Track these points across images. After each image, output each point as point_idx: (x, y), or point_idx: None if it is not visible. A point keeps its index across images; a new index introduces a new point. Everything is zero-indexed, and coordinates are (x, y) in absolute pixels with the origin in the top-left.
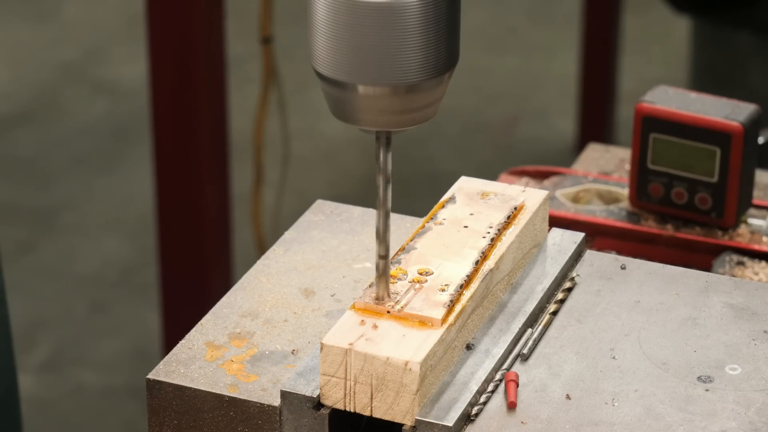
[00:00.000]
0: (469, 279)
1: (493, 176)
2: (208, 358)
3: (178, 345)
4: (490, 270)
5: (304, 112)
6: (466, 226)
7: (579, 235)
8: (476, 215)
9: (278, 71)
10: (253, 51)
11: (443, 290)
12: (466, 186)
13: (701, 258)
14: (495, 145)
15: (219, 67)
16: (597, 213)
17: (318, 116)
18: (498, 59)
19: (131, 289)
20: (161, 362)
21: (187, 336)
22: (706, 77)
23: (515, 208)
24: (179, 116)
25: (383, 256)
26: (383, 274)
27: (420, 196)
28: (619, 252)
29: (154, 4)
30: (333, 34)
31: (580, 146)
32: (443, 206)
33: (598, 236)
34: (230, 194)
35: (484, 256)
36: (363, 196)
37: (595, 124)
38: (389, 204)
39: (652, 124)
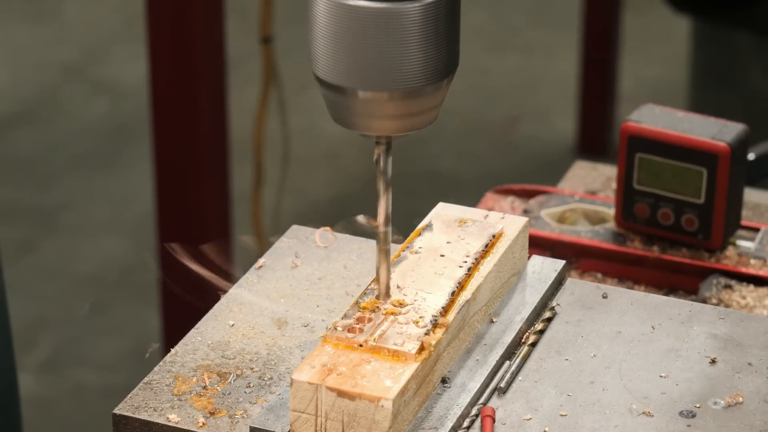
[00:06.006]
0: (445, 310)
1: (493, 176)
2: (176, 391)
3: (146, 377)
4: (467, 301)
5: (304, 112)
6: (442, 255)
7: (560, 263)
8: (453, 243)
9: (278, 71)
10: (253, 51)
11: (418, 323)
12: (443, 213)
13: (688, 280)
14: (495, 145)
15: (219, 67)
16: (582, 234)
17: (318, 116)
18: (498, 59)
19: (131, 289)
20: (128, 396)
21: (155, 368)
22: (706, 77)
23: (494, 236)
24: (179, 116)
25: (384, 260)
26: (385, 288)
27: (420, 196)
28: (605, 273)
29: (154, 4)
30: (333, 39)
31: (580, 146)
32: (419, 234)
33: (583, 257)
34: (230, 194)
35: (461, 286)
36: (363, 196)
37: (595, 124)
38: (390, 209)
39: (637, 143)
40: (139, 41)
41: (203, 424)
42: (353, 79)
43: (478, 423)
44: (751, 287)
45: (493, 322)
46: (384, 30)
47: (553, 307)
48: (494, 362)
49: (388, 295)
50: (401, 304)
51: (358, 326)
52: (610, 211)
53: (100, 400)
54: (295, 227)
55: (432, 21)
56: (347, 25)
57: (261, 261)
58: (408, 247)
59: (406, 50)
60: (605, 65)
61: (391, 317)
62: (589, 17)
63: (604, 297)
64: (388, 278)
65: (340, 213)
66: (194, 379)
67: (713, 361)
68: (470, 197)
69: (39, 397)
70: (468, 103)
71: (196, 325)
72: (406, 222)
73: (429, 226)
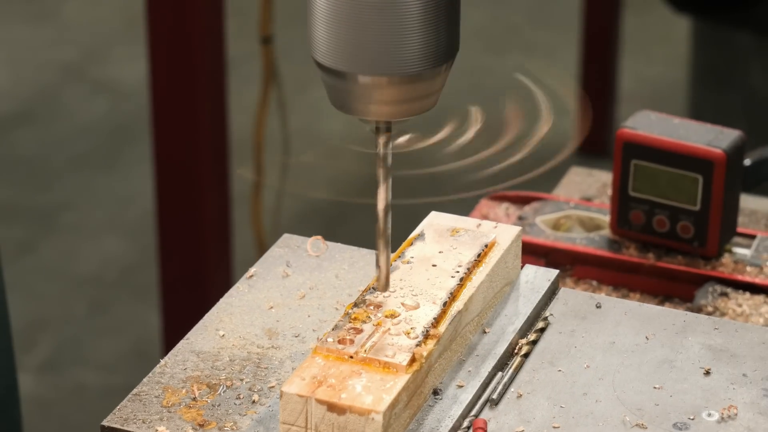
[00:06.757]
0: (437, 321)
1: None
2: (165, 403)
3: (135, 389)
4: (459, 312)
5: (304, 112)
6: (434, 265)
7: (553, 272)
8: (445, 253)
9: (278, 71)
10: (253, 51)
11: (409, 334)
12: (436, 222)
13: (684, 288)
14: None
15: (219, 67)
16: (577, 241)
17: (318, 116)
18: (498, 59)
19: (131, 289)
20: (116, 408)
21: (144, 380)
22: (706, 77)
23: (486, 246)
24: (179, 116)
25: (384, 249)
26: (385, 279)
27: (420, 196)
28: (600, 281)
29: (154, 4)
30: (333, 23)
31: (580, 146)
32: (411, 243)
33: (577, 265)
34: (230, 194)
35: (453, 296)
36: (363, 196)
37: (595, 124)
38: (389, 196)
39: (633, 150)
40: (139, 41)
41: None
42: (353, 64)
43: None
44: (747, 295)
45: (485, 332)
46: (383, 14)
47: (546, 317)
48: (486, 373)
49: (387, 285)
50: (393, 315)
51: (348, 337)
52: (606, 218)
53: (100, 400)
54: (286, 236)
55: (432, 5)
56: (347, 10)
57: (252, 270)
58: (400, 256)
59: (406, 35)
60: (605, 65)
61: (382, 328)
62: (589, 17)
63: (598, 307)
64: (388, 268)
65: (340, 213)
66: (184, 391)
67: (707, 372)
68: (469, 198)
69: (39, 397)
70: (468, 103)
71: (186, 336)
72: (405, 222)
73: (421, 236)
